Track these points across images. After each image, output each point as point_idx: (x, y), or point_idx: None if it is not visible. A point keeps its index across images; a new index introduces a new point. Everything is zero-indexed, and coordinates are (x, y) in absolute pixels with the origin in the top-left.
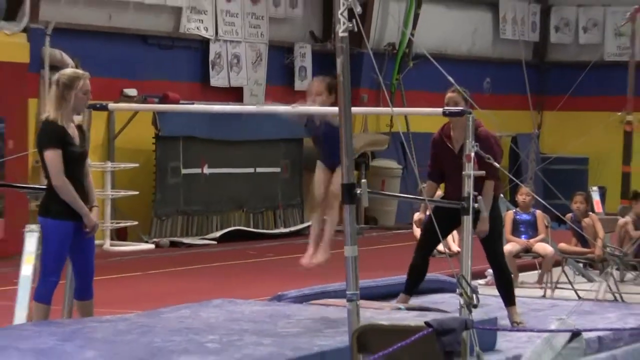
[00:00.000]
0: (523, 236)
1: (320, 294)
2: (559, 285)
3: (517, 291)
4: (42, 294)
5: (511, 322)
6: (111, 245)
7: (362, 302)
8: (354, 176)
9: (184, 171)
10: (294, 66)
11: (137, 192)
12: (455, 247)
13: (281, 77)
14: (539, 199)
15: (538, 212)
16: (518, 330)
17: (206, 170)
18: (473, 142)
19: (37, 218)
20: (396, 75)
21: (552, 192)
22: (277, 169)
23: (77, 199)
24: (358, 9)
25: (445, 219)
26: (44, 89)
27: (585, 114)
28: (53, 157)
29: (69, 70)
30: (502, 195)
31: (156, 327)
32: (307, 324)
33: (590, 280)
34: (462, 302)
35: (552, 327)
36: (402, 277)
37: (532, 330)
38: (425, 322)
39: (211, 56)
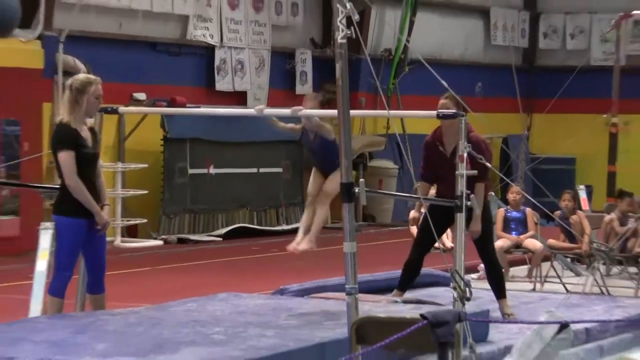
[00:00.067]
0: (514, 233)
1: (321, 288)
2: (548, 279)
3: (508, 285)
4: (56, 288)
5: (502, 314)
6: (122, 241)
7: (360, 296)
8: (353, 176)
9: (190, 171)
10: (295, 71)
11: (146, 192)
12: (449, 243)
13: (283, 82)
14: (529, 197)
15: (528, 210)
16: (509, 322)
17: (212, 170)
18: (466, 143)
19: (51, 216)
20: (392, 80)
21: (541, 191)
22: (279, 169)
23: (89, 198)
24: (356, 17)
25: (440, 218)
26: (57, 93)
27: (573, 116)
28: (66, 158)
29: (81, 76)
30: (493, 193)
31: (165, 319)
32: (308, 317)
33: (577, 274)
34: (455, 295)
35: (542, 319)
36: (398, 272)
37: (522, 322)
38: (421, 315)
39: (216, 62)
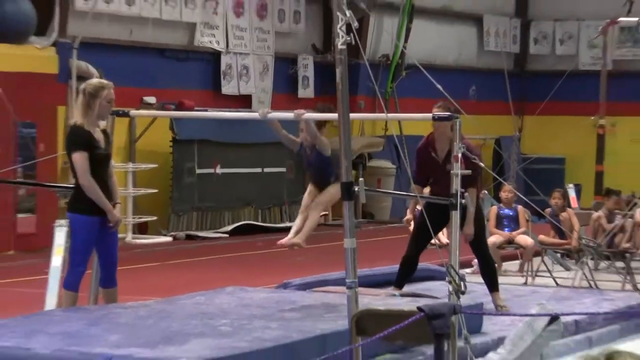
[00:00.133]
0: (506, 229)
1: (322, 282)
2: (538, 274)
3: (501, 279)
4: (71, 282)
5: (495, 306)
6: (133, 238)
7: (360, 290)
8: (352, 175)
9: (198, 171)
10: (297, 76)
11: (156, 190)
12: (444, 239)
13: (286, 86)
14: (521, 195)
15: (520, 208)
16: (502, 315)
17: (218, 170)
18: (460, 144)
19: (65, 214)
20: (390, 84)
21: (532, 189)
22: (283, 169)
23: (101, 196)
24: (355, 24)
25: (436, 216)
26: (71, 97)
27: (562, 119)
28: (80, 159)
29: (94, 81)
30: (486, 192)
31: (174, 312)
32: (311, 309)
33: (567, 269)
34: (451, 289)
35: (533, 311)
36: (396, 267)
37: (514, 315)
38: (418, 307)
39: (222, 67)
